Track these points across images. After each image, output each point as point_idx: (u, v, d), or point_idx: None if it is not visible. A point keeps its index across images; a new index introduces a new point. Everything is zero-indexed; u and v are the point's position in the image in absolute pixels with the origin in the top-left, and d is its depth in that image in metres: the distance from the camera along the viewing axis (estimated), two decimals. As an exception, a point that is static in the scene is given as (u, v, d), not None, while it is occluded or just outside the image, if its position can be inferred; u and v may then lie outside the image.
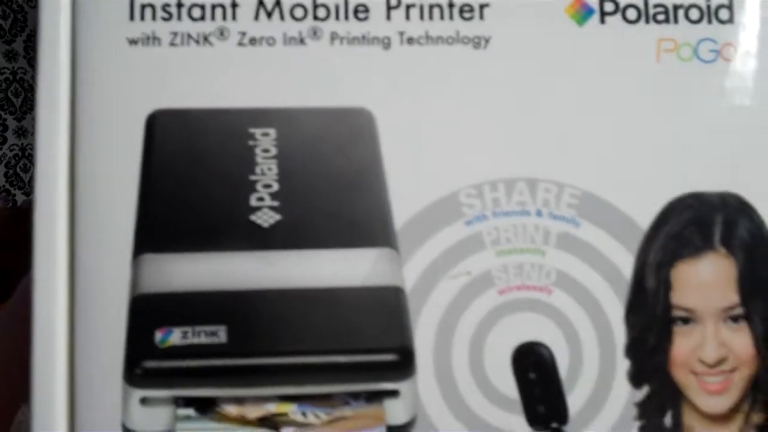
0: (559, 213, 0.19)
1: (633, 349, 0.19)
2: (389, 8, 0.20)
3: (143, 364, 0.18)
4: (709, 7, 0.20)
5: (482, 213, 0.19)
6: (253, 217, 0.19)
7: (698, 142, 0.20)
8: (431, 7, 0.20)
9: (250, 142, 0.19)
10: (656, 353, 0.19)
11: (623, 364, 0.19)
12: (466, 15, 0.20)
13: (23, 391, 0.19)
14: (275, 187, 0.19)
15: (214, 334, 0.18)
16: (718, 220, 0.20)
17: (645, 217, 0.19)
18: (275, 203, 0.19)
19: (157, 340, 0.18)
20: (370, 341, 0.18)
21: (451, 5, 0.20)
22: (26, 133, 1.49)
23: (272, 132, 0.19)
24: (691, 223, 0.20)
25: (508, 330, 0.19)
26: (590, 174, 0.19)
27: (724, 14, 0.20)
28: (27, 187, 1.50)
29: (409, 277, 0.19)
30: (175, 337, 0.18)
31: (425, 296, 0.19)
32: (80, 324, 0.18)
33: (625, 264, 0.19)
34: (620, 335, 0.19)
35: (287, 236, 0.19)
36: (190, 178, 0.19)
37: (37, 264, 0.18)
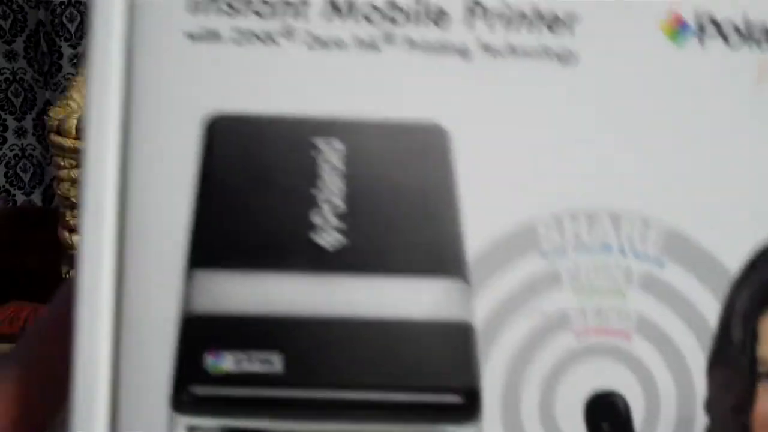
0: (643, 251, 0.18)
1: (714, 405, 0.18)
2: (471, 15, 0.18)
3: (191, 390, 0.17)
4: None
5: (561, 246, 0.18)
6: (314, 236, 0.17)
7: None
8: (517, 16, 0.18)
9: (314, 153, 0.18)
10: (738, 411, 0.18)
11: (702, 420, 0.18)
12: (555, 27, 0.18)
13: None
14: (340, 205, 0.17)
15: (269, 361, 0.17)
16: None
17: (736, 261, 0.18)
18: (340, 224, 0.17)
19: (207, 365, 0.17)
20: (434, 379, 0.17)
21: (539, 16, 0.18)
22: (26, 133, 1.51)
23: (339, 144, 0.18)
24: None
25: (582, 376, 0.17)
26: (679, 210, 0.18)
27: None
28: (27, 187, 1.52)
29: (479, 313, 0.17)
30: (227, 362, 0.17)
31: (495, 334, 0.17)
32: (127, 345, 0.17)
33: (711, 311, 0.18)
34: (701, 388, 0.18)
35: (350, 259, 0.17)
36: (250, 190, 0.17)
37: (81, 277, 0.17)
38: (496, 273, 0.18)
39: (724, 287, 0.18)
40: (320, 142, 0.18)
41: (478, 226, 0.18)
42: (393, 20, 0.18)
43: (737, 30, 0.18)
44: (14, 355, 0.20)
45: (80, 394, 0.17)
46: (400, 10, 0.18)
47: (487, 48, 0.18)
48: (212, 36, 0.17)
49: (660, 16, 0.18)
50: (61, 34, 1.33)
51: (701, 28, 0.18)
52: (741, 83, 0.18)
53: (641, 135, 0.18)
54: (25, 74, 1.42)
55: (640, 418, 0.18)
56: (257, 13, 0.17)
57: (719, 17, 0.18)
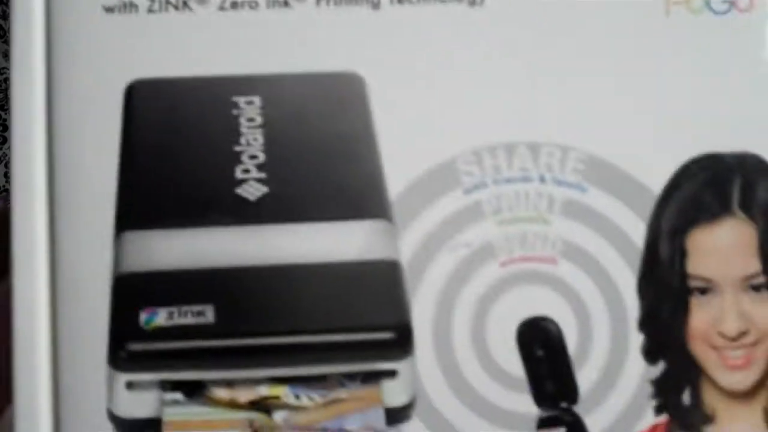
0: (563, 178, 0.18)
1: (647, 323, 0.18)
2: (378, -36, 0.18)
3: (128, 347, 0.17)
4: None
5: (482, 180, 0.18)
6: (239, 191, 0.18)
7: (713, 100, 0.18)
8: (422, -40, 0.18)
9: (234, 111, 0.18)
10: (672, 326, 0.18)
11: (637, 339, 0.18)
12: None
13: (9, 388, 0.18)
14: (261, 158, 0.18)
15: (201, 314, 0.17)
16: (737, 182, 0.18)
17: (657, 181, 0.18)
18: (262, 175, 0.18)
19: (141, 322, 0.17)
20: (365, 318, 0.17)
21: (444, -39, 0.19)
22: None
23: (257, 100, 0.18)
24: (706, 186, 0.18)
25: (511, 304, 0.18)
26: (596, 136, 0.18)
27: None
28: None
29: (405, 251, 0.18)
30: (161, 317, 0.17)
31: (422, 270, 0.18)
32: (62, 306, 0.17)
33: (637, 232, 0.18)
34: (633, 308, 0.18)
35: (275, 209, 0.18)
36: (172, 151, 0.18)
37: (15, 246, 0.17)
38: (419, 211, 0.18)
39: (648, 207, 0.18)
40: (239, 99, 0.18)
41: (400, 168, 0.18)
42: None
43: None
44: None
45: (21, 361, 0.17)
46: None
47: None
48: (128, 6, 0.18)
49: None
50: None
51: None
52: (650, 11, 0.19)
53: (549, 68, 0.18)
54: None
55: (574, 341, 0.18)
56: None
57: None
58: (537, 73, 0.18)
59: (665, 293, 0.18)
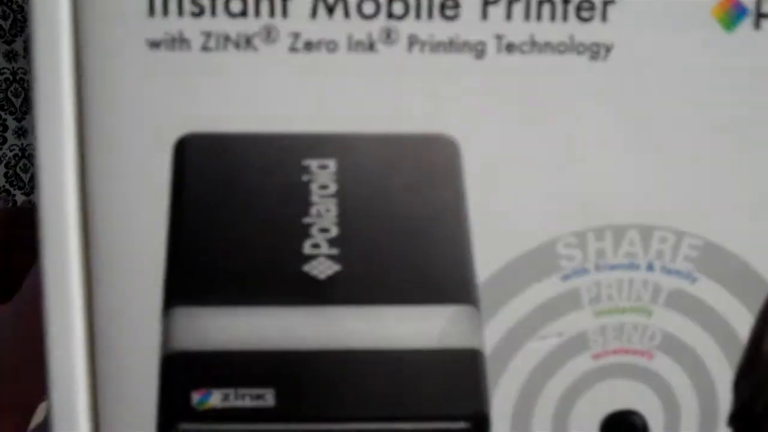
0: (673, 267, 0.16)
1: (738, 418, 0.17)
2: (485, 4, 0.15)
3: (179, 427, 0.16)
4: None
5: (583, 266, 0.16)
6: (306, 268, 0.16)
7: None
8: (540, 3, 0.15)
9: (305, 177, 0.15)
10: (763, 423, 0.17)
11: (724, 435, 0.17)
12: (585, 15, 0.15)
13: (39, 389, 0.17)
14: (334, 231, 0.16)
15: (260, 397, 0.16)
16: None
17: (774, 272, 0.16)
18: (333, 251, 0.16)
19: (194, 402, 0.16)
20: (439, 407, 0.16)
21: (565, 1, 0.15)
22: (26, 133, 1.52)
23: (332, 164, 0.15)
24: None
25: (598, 398, 0.16)
26: (717, 220, 0.16)
27: None
28: (27, 187, 1.53)
29: (490, 338, 0.16)
30: (215, 399, 0.16)
31: (507, 359, 0.16)
32: (103, 387, 0.16)
33: (743, 324, 0.16)
34: (725, 402, 0.17)
35: (347, 290, 0.16)
36: (231, 219, 0.15)
37: (50, 321, 0.15)
38: (510, 297, 0.16)
39: (760, 299, 0.16)
40: (310, 162, 0.15)
41: (493, 248, 0.16)
42: (392, 14, 0.15)
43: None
44: None
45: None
46: (403, 1, 0.15)
47: (504, 43, 0.15)
48: (178, 42, 0.15)
49: (713, 1, 0.15)
50: None
51: (758, 9, 0.15)
52: None
53: (677, 139, 0.16)
54: (25, 74, 1.42)
55: (659, 436, 0.17)
56: (230, 13, 0.15)
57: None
58: (658, 147, 0.16)
59: (762, 390, 0.17)
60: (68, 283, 0.15)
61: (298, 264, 0.16)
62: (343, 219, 0.16)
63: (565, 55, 0.15)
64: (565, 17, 0.15)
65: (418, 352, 0.16)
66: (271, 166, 0.15)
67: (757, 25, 0.15)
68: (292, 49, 0.15)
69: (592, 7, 0.15)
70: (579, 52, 0.15)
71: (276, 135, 0.15)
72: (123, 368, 0.16)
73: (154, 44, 0.15)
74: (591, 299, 0.16)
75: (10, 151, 1.53)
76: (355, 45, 0.15)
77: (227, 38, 0.15)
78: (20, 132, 1.52)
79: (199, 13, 0.15)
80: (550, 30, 0.15)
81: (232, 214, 0.15)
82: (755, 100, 0.16)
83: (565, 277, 0.16)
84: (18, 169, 1.54)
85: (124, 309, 0.16)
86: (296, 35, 0.15)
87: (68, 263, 0.15)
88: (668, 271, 0.16)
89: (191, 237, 0.15)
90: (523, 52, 0.15)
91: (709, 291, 0.16)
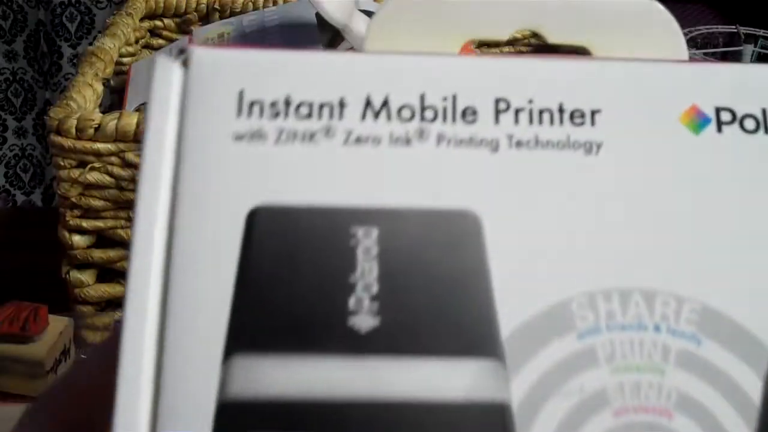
0: (678, 329, 0.18)
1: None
2: (498, 112, 0.19)
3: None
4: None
5: (596, 326, 0.18)
6: (349, 319, 0.18)
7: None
8: (541, 111, 0.19)
9: (352, 242, 0.18)
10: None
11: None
12: (577, 120, 0.19)
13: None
14: (375, 289, 0.18)
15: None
16: None
17: (774, 337, 0.18)
18: (374, 306, 0.18)
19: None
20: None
21: (561, 110, 0.19)
22: (26, 133, 1.50)
23: (375, 232, 0.19)
24: None
25: (624, 456, 0.17)
26: (711, 287, 0.18)
27: None
28: (27, 187, 1.50)
29: (515, 394, 0.18)
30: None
31: (533, 415, 0.17)
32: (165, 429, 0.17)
33: (754, 389, 0.18)
34: (748, 466, 0.17)
35: (385, 341, 0.18)
36: (288, 278, 0.18)
37: (122, 364, 0.18)
38: (531, 354, 0.18)
39: (764, 363, 0.18)
40: (357, 229, 0.19)
41: (513, 308, 0.18)
42: (424, 118, 0.19)
43: (753, 118, 0.19)
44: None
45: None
46: (433, 109, 0.19)
47: (514, 141, 0.19)
48: (257, 136, 0.19)
49: (680, 110, 0.19)
50: (61, 34, 1.34)
51: (718, 117, 0.19)
52: (761, 173, 0.19)
53: (666, 215, 0.19)
54: (25, 74, 1.41)
55: (687, 499, 0.17)
56: (299, 115, 0.19)
57: (737, 110, 0.19)
58: (650, 220, 0.19)
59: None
60: (144, 331, 0.18)
61: (343, 318, 0.18)
62: (382, 279, 0.18)
63: (563, 150, 0.19)
64: (561, 122, 0.19)
65: (448, 404, 0.17)
66: (324, 233, 0.18)
67: (719, 129, 0.19)
68: (346, 142, 0.19)
69: (582, 115, 0.19)
70: (575, 148, 0.19)
71: (328, 208, 0.18)
72: (183, 421, 0.17)
73: (239, 137, 0.19)
74: (606, 357, 0.18)
75: (10, 151, 1.43)
76: (395, 141, 0.19)
77: (295, 134, 0.19)
78: (20, 132, 1.44)
79: (275, 114, 0.19)
80: (550, 131, 0.19)
81: (289, 274, 0.18)
82: (727, 187, 0.19)
83: (581, 336, 0.18)
84: (18, 169, 1.47)
85: (191, 362, 0.18)
86: (349, 132, 0.19)
87: (147, 312, 0.18)
88: (674, 333, 0.18)
89: (252, 294, 0.18)
90: (529, 147, 0.19)
91: (715, 353, 0.18)
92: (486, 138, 0.19)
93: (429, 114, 0.19)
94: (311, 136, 0.19)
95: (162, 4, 0.94)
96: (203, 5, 0.94)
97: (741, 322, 0.18)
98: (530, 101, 0.19)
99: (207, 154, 0.19)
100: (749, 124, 0.19)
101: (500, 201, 0.19)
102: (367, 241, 0.18)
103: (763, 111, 0.19)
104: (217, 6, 0.93)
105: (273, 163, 0.19)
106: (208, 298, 0.18)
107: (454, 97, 0.19)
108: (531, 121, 0.19)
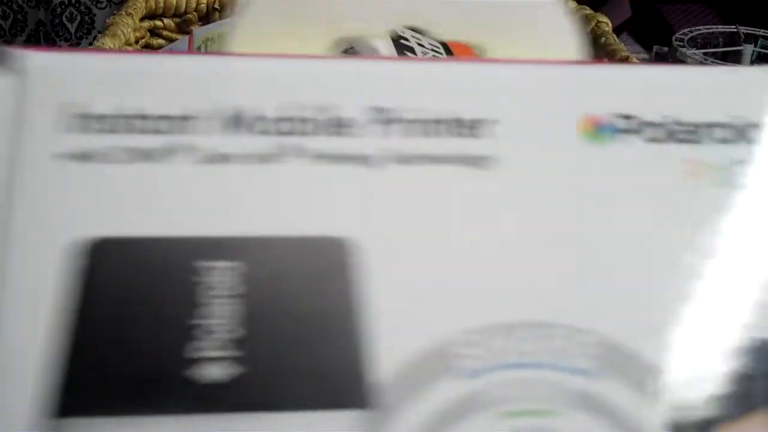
0: (573, 364, 0.16)
1: None
2: (375, 122, 0.17)
3: None
4: (738, 126, 0.17)
5: (483, 365, 0.16)
6: (198, 370, 0.15)
7: (757, 279, 0.17)
8: (428, 122, 0.17)
9: (203, 278, 0.16)
10: None
11: None
12: (467, 132, 0.17)
13: None
14: (227, 333, 0.16)
15: None
16: None
17: (674, 368, 0.16)
18: (224, 353, 0.16)
19: None
20: None
21: (448, 120, 0.17)
22: None
23: (229, 267, 0.16)
24: (742, 378, 0.16)
25: None
26: (610, 317, 0.16)
27: (754, 134, 0.17)
28: None
29: (392, 444, 0.15)
30: None
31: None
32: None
33: (648, 419, 0.16)
34: None
35: (238, 396, 0.15)
36: (126, 322, 0.16)
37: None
38: (412, 397, 0.16)
39: (658, 392, 0.16)
40: (208, 264, 0.16)
41: (391, 347, 0.16)
42: (291, 132, 0.17)
43: (657, 126, 0.17)
44: None
45: None
46: (300, 120, 0.17)
47: (396, 155, 0.17)
48: (89, 155, 0.16)
49: (577, 119, 0.17)
50: (61, 34, 1.32)
51: (619, 127, 0.17)
52: (666, 181, 0.17)
53: (567, 239, 0.16)
54: None
55: None
56: (140, 131, 0.16)
57: (639, 115, 0.17)
58: (547, 246, 0.16)
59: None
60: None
61: (185, 368, 0.15)
62: (237, 322, 0.16)
63: (451, 165, 0.17)
64: (449, 133, 0.17)
65: None
66: (168, 269, 0.16)
67: (619, 139, 0.17)
68: (195, 161, 0.16)
69: (473, 126, 0.17)
70: (464, 163, 0.17)
71: (173, 239, 0.16)
72: None
73: (67, 156, 0.16)
74: (496, 399, 0.16)
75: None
76: (252, 158, 0.16)
77: (132, 152, 0.16)
78: (19, 133, 1.42)
79: (111, 130, 0.16)
80: (436, 144, 0.17)
81: (127, 318, 0.16)
82: (629, 202, 0.17)
83: (467, 376, 0.16)
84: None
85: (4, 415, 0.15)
86: (198, 149, 0.16)
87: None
88: (566, 369, 0.16)
89: (82, 343, 0.15)
90: (414, 163, 0.17)
91: (610, 387, 0.16)
92: (361, 153, 0.17)
93: (293, 126, 0.17)
94: (153, 155, 0.16)
95: (162, 4, 0.91)
96: (203, 5, 0.91)
97: (639, 352, 0.16)
98: (413, 110, 0.17)
99: (31, 175, 0.16)
100: (651, 132, 0.17)
101: (377, 226, 0.16)
102: (221, 277, 0.16)
103: (667, 118, 0.17)
104: (217, 6, 0.91)
105: (109, 187, 0.16)
106: (26, 347, 0.15)
107: (324, 107, 0.17)
108: (414, 132, 0.17)
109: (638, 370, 0.16)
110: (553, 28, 0.20)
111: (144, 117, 0.16)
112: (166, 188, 0.16)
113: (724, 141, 0.17)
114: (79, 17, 1.33)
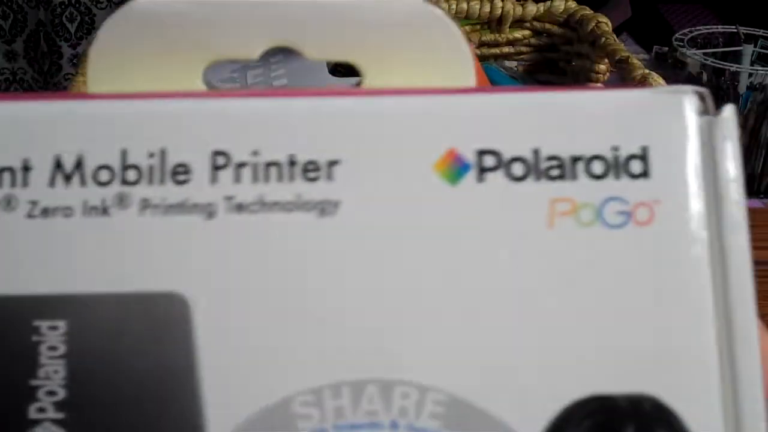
0: (419, 425, 0.15)
1: None
2: (215, 168, 0.16)
3: None
4: (617, 158, 0.16)
5: (321, 426, 0.15)
6: None
7: (602, 329, 0.16)
8: (267, 165, 0.16)
9: (34, 338, 0.15)
10: None
11: None
12: (311, 175, 0.16)
13: None
14: (61, 394, 0.15)
15: None
16: (629, 431, 0.15)
17: (532, 428, 0.15)
18: (60, 415, 0.15)
19: None
20: None
21: (292, 163, 0.16)
22: None
23: (62, 324, 0.15)
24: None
25: None
26: (461, 373, 0.15)
27: (636, 167, 0.16)
28: None
29: None
30: None
31: None
32: None
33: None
34: None
35: None
36: None
37: None
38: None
39: (522, 461, 0.15)
40: (40, 323, 0.15)
41: (226, 410, 0.15)
42: (126, 181, 0.16)
43: (522, 161, 0.16)
44: None
45: None
46: (136, 168, 0.16)
47: (233, 204, 0.16)
48: None
49: (435, 157, 0.16)
50: (61, 34, 1.33)
51: (480, 163, 0.16)
52: (531, 223, 0.16)
53: (411, 289, 0.16)
54: (25, 74, 1.37)
55: None
56: None
57: (503, 150, 0.16)
58: (392, 295, 0.16)
59: None
60: None
61: (21, 431, 0.15)
62: (70, 384, 0.15)
63: (293, 213, 0.16)
64: (291, 177, 0.16)
65: None
66: (0, 328, 0.15)
67: (480, 178, 0.16)
68: (30, 215, 0.16)
69: (317, 168, 0.16)
70: (307, 210, 0.16)
71: (5, 296, 0.15)
72: None
73: None
74: (333, 464, 0.15)
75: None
76: (90, 210, 0.16)
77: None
78: (20, 132, 1.44)
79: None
80: (277, 189, 0.16)
81: None
82: (488, 249, 0.16)
83: (304, 439, 0.15)
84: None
85: None
86: (34, 202, 0.16)
87: None
88: (414, 430, 0.15)
89: None
90: (252, 211, 0.16)
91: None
92: (200, 202, 0.16)
93: (132, 175, 0.16)
94: (-14, 210, 0.16)
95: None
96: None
97: (495, 413, 0.15)
98: (255, 153, 0.16)
99: None
100: (517, 169, 0.16)
101: (214, 280, 0.16)
102: (52, 337, 0.15)
103: (535, 152, 0.16)
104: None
105: None
106: None
107: (163, 152, 0.16)
108: (255, 178, 0.16)
109: (487, 428, 0.15)
110: (444, 50, 0.19)
111: None
112: (2, 244, 0.16)
113: (601, 176, 0.16)
114: (79, 17, 1.34)
